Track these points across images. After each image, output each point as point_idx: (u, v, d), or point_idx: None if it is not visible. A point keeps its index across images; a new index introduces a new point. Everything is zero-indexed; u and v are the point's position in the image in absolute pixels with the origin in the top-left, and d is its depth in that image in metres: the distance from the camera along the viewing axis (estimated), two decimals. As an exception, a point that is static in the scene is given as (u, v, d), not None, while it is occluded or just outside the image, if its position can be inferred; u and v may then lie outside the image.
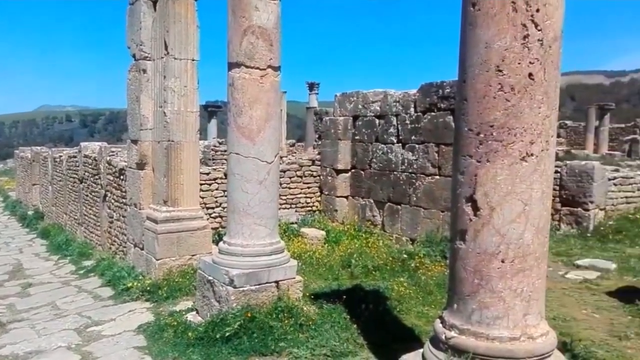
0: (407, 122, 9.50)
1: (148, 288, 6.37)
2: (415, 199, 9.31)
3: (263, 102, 4.79)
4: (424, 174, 9.15)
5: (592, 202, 8.26)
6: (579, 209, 8.36)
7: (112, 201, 8.81)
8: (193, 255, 6.84)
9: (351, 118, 10.86)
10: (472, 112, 2.67)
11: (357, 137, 10.75)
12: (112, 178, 8.78)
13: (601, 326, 4.72)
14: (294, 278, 5.03)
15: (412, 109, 9.44)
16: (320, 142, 12.23)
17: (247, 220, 4.81)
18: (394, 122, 9.80)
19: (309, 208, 11.33)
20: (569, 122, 27.70)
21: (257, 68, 4.77)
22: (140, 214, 7.32)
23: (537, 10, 2.50)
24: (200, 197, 8.09)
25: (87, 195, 10.43)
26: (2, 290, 7.58)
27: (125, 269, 7.36)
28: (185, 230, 6.85)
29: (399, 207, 9.70)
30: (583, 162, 8.83)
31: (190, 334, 4.70)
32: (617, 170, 9.84)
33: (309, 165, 11.39)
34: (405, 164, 9.53)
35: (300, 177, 11.28)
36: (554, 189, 8.38)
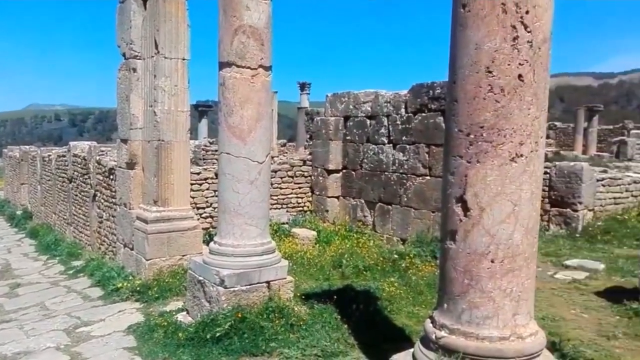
0: (398, 122, 9.53)
1: (138, 288, 6.34)
2: (406, 199, 9.34)
3: (254, 102, 4.78)
4: (414, 175, 9.18)
5: (580, 203, 8.32)
6: (568, 209, 8.42)
7: (102, 201, 8.75)
8: (183, 256, 6.81)
9: (342, 118, 10.87)
10: (463, 113, 2.69)
11: (348, 138, 10.77)
12: (101, 178, 8.73)
13: (590, 326, 4.76)
14: (285, 278, 5.03)
15: (403, 110, 9.47)
16: (311, 143, 12.23)
17: (238, 220, 4.80)
18: (385, 123, 9.82)
19: (300, 208, 11.33)
20: (558, 124, 27.92)
21: (248, 67, 4.76)
22: (130, 213, 7.28)
23: (527, 12, 2.52)
24: (191, 197, 8.06)
25: (76, 195, 10.35)
26: (-11, 291, 7.51)
27: (115, 269, 7.32)
28: (175, 231, 6.82)
29: (389, 207, 9.73)
30: (572, 163, 8.90)
31: (180, 334, 4.68)
32: (605, 172, 9.93)
33: (300, 166, 11.39)
34: (396, 165, 9.56)
35: (292, 177, 11.27)
36: (543, 190, 8.45)
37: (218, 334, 4.41)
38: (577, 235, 8.13)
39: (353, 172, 10.65)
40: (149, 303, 6.02)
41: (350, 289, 5.64)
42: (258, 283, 4.82)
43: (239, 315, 4.50)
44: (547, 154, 12.17)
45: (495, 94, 2.58)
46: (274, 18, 4.93)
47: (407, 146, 9.33)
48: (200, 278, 4.97)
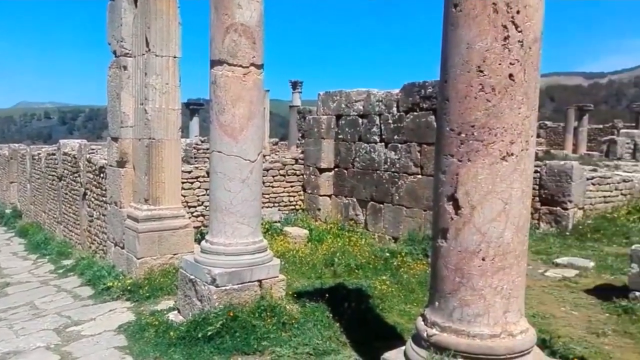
0: (390, 121, 9.54)
1: (129, 287, 6.31)
2: (397, 197, 9.36)
3: (246, 100, 4.77)
4: (406, 173, 9.21)
5: (570, 202, 8.38)
6: (558, 208, 8.48)
7: (92, 199, 8.69)
8: (175, 254, 6.79)
9: (334, 117, 10.87)
10: (454, 112, 2.70)
11: (340, 136, 10.77)
12: (92, 176, 8.67)
13: (579, 323, 4.80)
14: (277, 277, 5.03)
15: (394, 109, 9.49)
16: (303, 141, 12.22)
17: (230, 219, 4.79)
18: (377, 122, 9.84)
19: (292, 207, 11.32)
20: (548, 123, 28.14)
21: (240, 66, 4.75)
22: (120, 212, 7.24)
23: (518, 12, 2.54)
24: (182, 195, 8.02)
25: (66, 194, 10.28)
26: (-22, 291, 7.44)
27: (106, 268, 7.27)
28: (166, 229, 6.79)
29: (381, 206, 9.75)
30: (562, 162, 8.97)
31: (171, 333, 4.66)
32: (595, 170, 10.02)
33: (292, 164, 11.38)
34: (388, 163, 9.58)
35: (284, 175, 11.26)
36: (534, 189, 8.44)
37: (210, 333, 4.40)
38: (567, 233, 8.19)
39: (345, 171, 10.66)
40: (140, 302, 5.99)
41: (342, 288, 5.65)
42: (250, 282, 4.81)
43: (231, 314, 4.50)
44: (538, 153, 12.24)
45: (486, 93, 2.59)
46: (265, 16, 4.92)
47: (399, 145, 9.35)
48: (192, 277, 4.96)
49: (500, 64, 2.56)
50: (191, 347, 4.39)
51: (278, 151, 17.15)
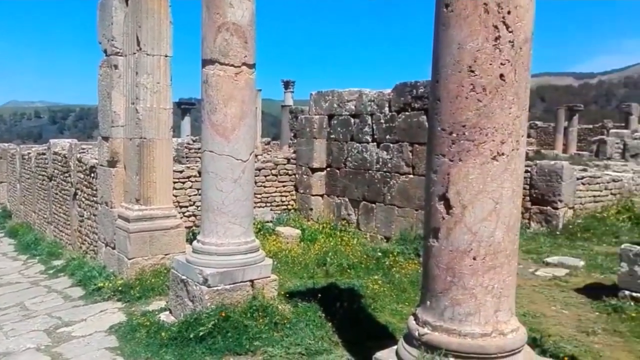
0: (382, 121, 9.56)
1: (120, 288, 6.28)
2: (389, 197, 9.38)
3: (238, 100, 4.76)
4: (398, 173, 9.23)
5: (561, 201, 8.44)
6: (549, 207, 8.54)
7: (83, 199, 8.64)
8: (166, 255, 6.76)
9: (326, 117, 10.88)
10: (445, 112, 2.71)
11: (332, 136, 10.78)
12: (82, 176, 8.61)
13: (570, 322, 4.84)
14: (269, 277, 5.02)
15: (386, 109, 9.51)
16: (295, 141, 12.21)
17: (222, 218, 4.78)
18: (369, 121, 9.85)
19: (284, 207, 11.31)
20: (539, 123, 28.31)
21: (232, 65, 4.73)
22: (111, 212, 7.20)
23: (509, 13, 2.55)
24: (174, 195, 7.99)
25: (56, 194, 10.20)
26: (-33, 291, 7.37)
27: (96, 269, 7.23)
28: (158, 229, 6.76)
29: (373, 205, 9.76)
30: (552, 162, 9.03)
31: (163, 334, 4.65)
32: (585, 170, 10.10)
33: (285, 164, 11.37)
34: (380, 163, 9.60)
35: (276, 175, 11.24)
36: (524, 188, 8.54)
37: (201, 333, 4.39)
38: (558, 232, 8.24)
39: (337, 171, 10.67)
40: (131, 303, 5.96)
41: (335, 287, 5.65)
42: (242, 282, 4.80)
43: (223, 314, 4.49)
44: (528, 153, 12.33)
45: (477, 93, 2.60)
46: (257, 15, 4.91)
47: (391, 145, 9.37)
48: (184, 277, 4.94)
49: (491, 64, 2.57)
50: (183, 348, 4.37)
51: (270, 151, 17.13)
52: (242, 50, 4.76)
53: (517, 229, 2.77)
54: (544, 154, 15.93)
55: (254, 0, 4.83)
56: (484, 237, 2.65)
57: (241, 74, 4.78)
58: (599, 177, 9.76)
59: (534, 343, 3.96)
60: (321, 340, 4.34)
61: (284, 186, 11.35)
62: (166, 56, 6.77)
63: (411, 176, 8.98)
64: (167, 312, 5.24)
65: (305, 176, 11.11)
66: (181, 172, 9.49)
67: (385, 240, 9.24)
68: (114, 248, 7.09)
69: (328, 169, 10.92)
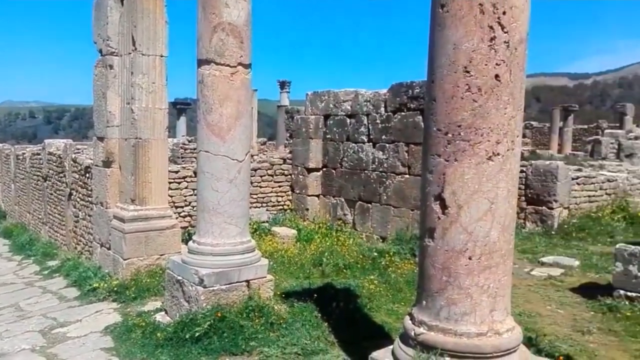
0: (378, 121, 9.57)
1: (115, 288, 6.26)
2: (385, 197, 9.39)
3: (233, 100, 4.76)
4: (394, 173, 9.24)
5: (556, 201, 8.47)
6: (544, 207, 8.57)
7: (78, 200, 8.60)
8: (162, 255, 6.74)
9: (322, 117, 10.88)
10: (441, 112, 2.71)
11: (328, 136, 10.78)
12: (77, 176, 8.58)
13: (565, 321, 4.86)
14: (265, 277, 5.01)
15: (382, 109, 9.52)
16: (291, 141, 12.21)
17: (217, 219, 4.77)
18: (365, 122, 9.86)
19: (280, 207, 11.30)
20: (534, 123, 28.40)
21: (228, 65, 4.73)
22: (106, 212, 7.18)
23: (504, 13, 2.56)
24: (169, 195, 7.97)
25: (51, 194, 10.16)
26: (-39, 292, 7.33)
27: (92, 269, 7.20)
28: (153, 230, 6.75)
29: (369, 205, 9.77)
30: (547, 162, 9.06)
31: (159, 334, 4.63)
32: (580, 170, 10.13)
33: (280, 164, 11.36)
34: (376, 163, 9.61)
35: (272, 175, 11.23)
36: (520, 188, 8.58)
37: (197, 334, 4.38)
38: (553, 232, 8.27)
39: (333, 171, 10.67)
40: (126, 303, 5.94)
41: (331, 287, 5.65)
42: (238, 282, 4.79)
43: (219, 315, 4.48)
44: (524, 153, 12.37)
45: (472, 94, 2.61)
46: (253, 15, 4.91)
47: (387, 145, 9.38)
48: (179, 277, 4.93)
49: (486, 65, 2.58)
50: (178, 348, 4.36)
51: (266, 151, 17.12)
52: (238, 50, 4.76)
53: (512, 228, 2.77)
54: (539, 154, 15.98)
55: (249, 0, 4.82)
56: (480, 237, 2.66)
57: (237, 74, 4.78)
58: (593, 177, 9.79)
59: (529, 342, 3.97)
60: (317, 340, 4.34)
61: (280, 186, 11.34)
62: (161, 56, 6.75)
63: (407, 176, 8.99)
64: (163, 313, 5.23)
65: (301, 176, 11.11)
66: (177, 172, 9.47)
67: (381, 240, 9.25)
68: (109, 248, 7.07)
69: (324, 169, 10.92)
